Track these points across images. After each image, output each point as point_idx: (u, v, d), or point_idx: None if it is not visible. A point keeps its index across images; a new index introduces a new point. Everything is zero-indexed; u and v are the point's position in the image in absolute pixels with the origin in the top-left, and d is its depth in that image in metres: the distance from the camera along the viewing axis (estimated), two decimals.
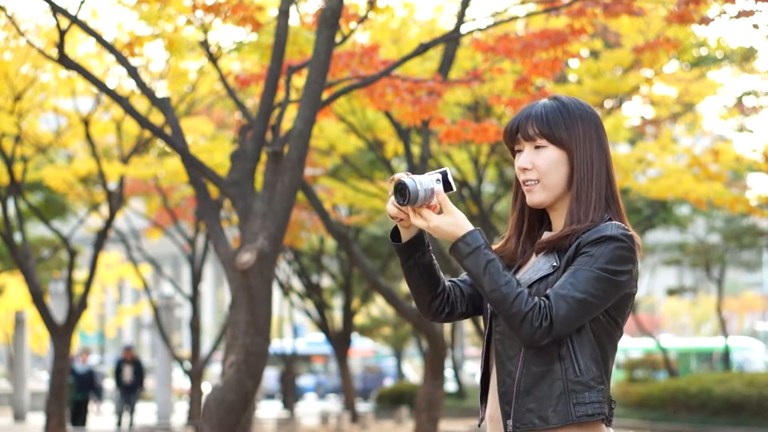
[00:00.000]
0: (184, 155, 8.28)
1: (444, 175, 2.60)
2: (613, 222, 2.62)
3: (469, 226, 2.59)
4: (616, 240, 2.57)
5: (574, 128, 2.66)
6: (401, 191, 2.55)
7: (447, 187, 2.60)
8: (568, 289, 2.54)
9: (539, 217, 2.78)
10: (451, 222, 2.58)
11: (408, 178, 2.56)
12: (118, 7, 13.07)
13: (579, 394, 2.56)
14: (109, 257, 33.01)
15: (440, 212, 2.60)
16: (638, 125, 19.09)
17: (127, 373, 18.84)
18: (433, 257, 2.70)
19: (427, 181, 2.57)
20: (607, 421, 2.62)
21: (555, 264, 2.62)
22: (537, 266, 2.66)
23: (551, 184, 2.66)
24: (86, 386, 18.86)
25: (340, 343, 23.83)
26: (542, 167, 2.66)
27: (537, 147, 2.67)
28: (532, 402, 2.57)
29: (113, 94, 8.47)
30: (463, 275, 2.84)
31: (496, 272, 2.54)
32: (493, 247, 2.74)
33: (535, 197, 2.69)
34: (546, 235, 2.72)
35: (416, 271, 2.70)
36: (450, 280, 2.81)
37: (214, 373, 36.63)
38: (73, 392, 18.28)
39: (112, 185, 17.06)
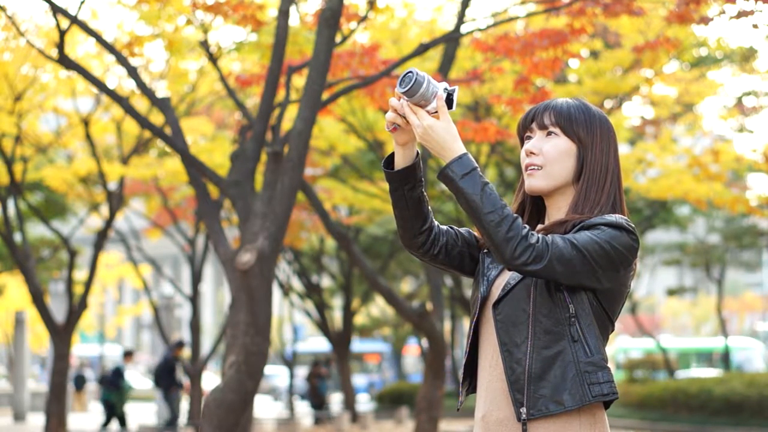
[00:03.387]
0: (184, 155, 8.28)
1: (452, 91, 2.56)
2: (621, 216, 2.62)
3: (461, 146, 2.54)
4: (625, 229, 2.57)
5: (593, 128, 2.66)
6: (407, 79, 2.52)
7: (449, 103, 2.56)
8: (569, 237, 2.54)
9: (538, 211, 2.77)
10: (444, 128, 2.52)
11: (419, 71, 2.53)
12: (118, 7, 13.07)
13: (592, 374, 2.54)
14: (109, 257, 33.03)
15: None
16: (638, 125, 19.09)
17: (179, 371, 18.45)
18: (424, 194, 2.65)
19: (436, 84, 2.54)
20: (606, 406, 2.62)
21: None
22: None
23: (555, 172, 2.65)
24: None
25: (340, 343, 23.83)
26: (550, 154, 2.65)
27: (549, 134, 2.66)
28: (546, 387, 2.53)
29: (113, 94, 8.47)
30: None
31: (493, 194, 2.50)
32: None
33: (535, 182, 2.67)
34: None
35: (402, 202, 2.63)
36: (452, 227, 2.76)
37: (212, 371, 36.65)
38: (124, 394, 18.45)
39: (112, 185, 17.07)
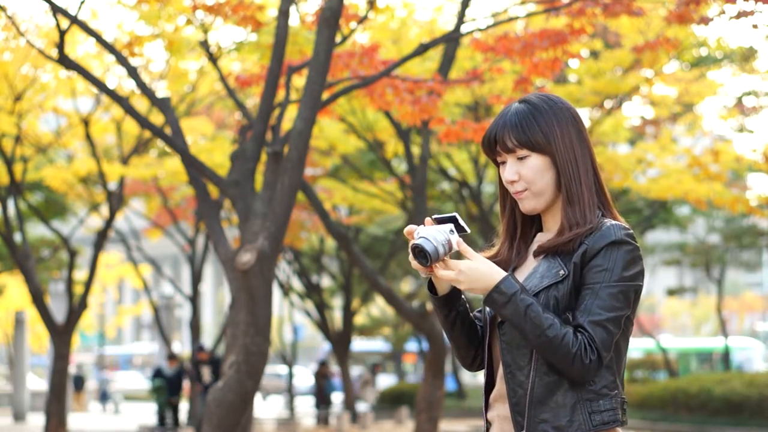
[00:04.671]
0: (184, 155, 8.28)
1: (455, 221, 2.56)
2: (613, 222, 2.60)
3: (499, 272, 2.55)
4: (624, 243, 2.56)
5: (550, 129, 2.64)
6: (421, 255, 2.52)
7: (460, 229, 2.57)
8: (598, 313, 2.53)
9: (531, 219, 2.76)
10: (476, 267, 2.55)
11: (422, 240, 2.52)
12: (118, 7, 13.08)
13: (593, 402, 2.55)
14: (109, 257, 33.02)
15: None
16: (638, 125, 19.09)
17: (206, 373, 18.54)
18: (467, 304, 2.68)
19: (442, 235, 2.54)
20: (621, 424, 2.61)
21: (562, 272, 2.58)
22: (540, 272, 2.62)
23: (540, 190, 2.64)
24: (176, 388, 19.98)
25: (340, 343, 23.82)
26: (529, 176, 2.64)
27: (519, 158, 2.64)
28: (546, 412, 2.55)
29: (113, 94, 8.47)
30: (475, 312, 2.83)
31: (536, 317, 2.51)
32: (486, 255, 2.70)
33: (527, 205, 2.66)
34: (543, 237, 2.70)
35: (459, 323, 2.67)
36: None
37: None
38: (165, 395, 19.49)
39: (112, 185, 17.07)
